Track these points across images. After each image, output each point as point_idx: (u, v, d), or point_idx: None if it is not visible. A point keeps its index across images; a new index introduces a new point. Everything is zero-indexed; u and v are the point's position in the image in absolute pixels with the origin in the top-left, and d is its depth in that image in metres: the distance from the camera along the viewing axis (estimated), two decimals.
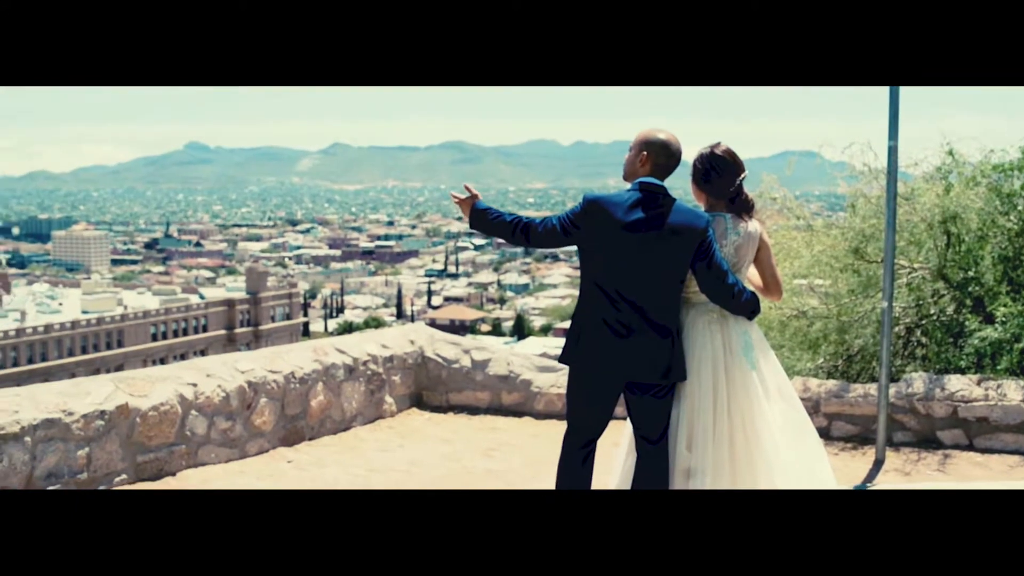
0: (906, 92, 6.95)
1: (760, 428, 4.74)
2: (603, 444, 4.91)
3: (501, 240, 5.06)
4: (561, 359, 4.81)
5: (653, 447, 4.76)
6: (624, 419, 4.99)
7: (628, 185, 4.78)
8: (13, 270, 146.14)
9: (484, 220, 4.91)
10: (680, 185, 5.05)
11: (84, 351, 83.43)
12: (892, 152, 6.93)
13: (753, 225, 4.94)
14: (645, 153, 4.75)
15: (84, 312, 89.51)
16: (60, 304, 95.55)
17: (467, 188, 4.97)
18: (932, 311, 8.99)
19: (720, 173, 4.92)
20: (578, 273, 4.82)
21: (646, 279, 4.62)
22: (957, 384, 7.47)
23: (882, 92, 6.90)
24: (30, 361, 79.02)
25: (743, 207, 4.94)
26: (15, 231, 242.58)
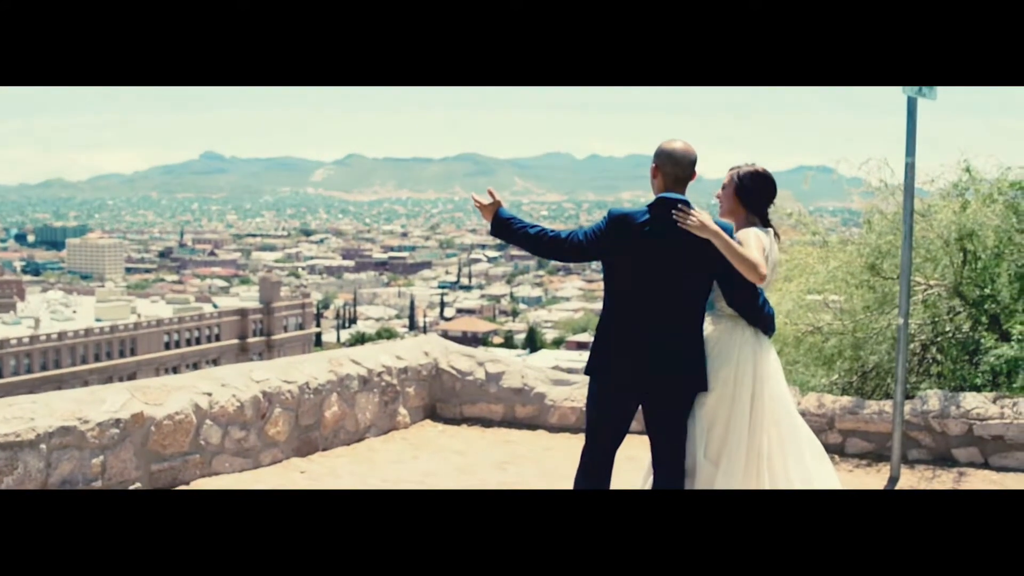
0: (923, 106, 6.93)
1: (789, 440, 4.75)
2: (618, 458, 4.90)
3: (520, 250, 5.04)
4: (586, 371, 4.82)
5: (669, 460, 4.76)
6: (639, 433, 4.98)
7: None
8: (28, 277, 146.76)
9: (508, 229, 4.88)
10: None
11: (97, 359, 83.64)
12: (909, 168, 6.93)
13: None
14: (655, 166, 4.76)
15: (98, 320, 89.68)
16: (74, 312, 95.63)
17: (490, 193, 4.94)
18: (948, 328, 8.96)
19: (763, 189, 4.93)
20: (590, 286, 4.86)
21: (670, 291, 4.62)
22: (973, 402, 7.44)
23: (900, 107, 6.91)
24: (43, 368, 79.30)
25: (774, 228, 4.95)
26: (30, 238, 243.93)
